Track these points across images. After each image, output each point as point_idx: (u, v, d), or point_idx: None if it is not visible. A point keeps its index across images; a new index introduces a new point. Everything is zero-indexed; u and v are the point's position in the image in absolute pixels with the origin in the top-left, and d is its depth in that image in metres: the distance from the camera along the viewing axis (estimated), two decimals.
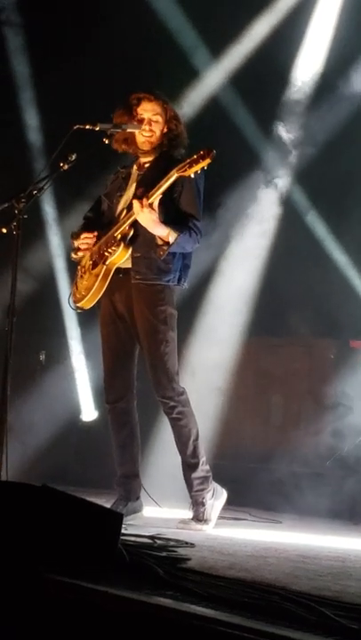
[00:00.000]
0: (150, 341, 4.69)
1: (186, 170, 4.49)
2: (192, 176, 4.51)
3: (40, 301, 7.06)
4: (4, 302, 4.61)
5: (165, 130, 4.80)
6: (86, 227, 4.93)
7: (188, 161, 4.50)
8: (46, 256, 7.38)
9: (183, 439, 4.73)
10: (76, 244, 4.88)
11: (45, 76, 7.36)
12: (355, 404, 6.05)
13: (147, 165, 4.84)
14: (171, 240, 4.58)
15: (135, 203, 4.58)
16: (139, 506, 4.82)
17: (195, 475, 4.73)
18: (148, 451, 5.65)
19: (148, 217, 4.56)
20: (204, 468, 4.75)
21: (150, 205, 4.54)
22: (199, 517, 4.67)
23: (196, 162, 4.46)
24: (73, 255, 4.93)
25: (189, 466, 4.74)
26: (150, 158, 4.83)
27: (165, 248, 4.59)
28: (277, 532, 4.76)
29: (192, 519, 4.68)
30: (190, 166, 4.48)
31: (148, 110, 4.78)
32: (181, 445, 4.74)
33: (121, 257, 4.67)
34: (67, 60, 7.16)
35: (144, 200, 4.55)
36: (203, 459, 4.75)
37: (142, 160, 4.86)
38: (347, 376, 6.30)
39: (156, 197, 4.57)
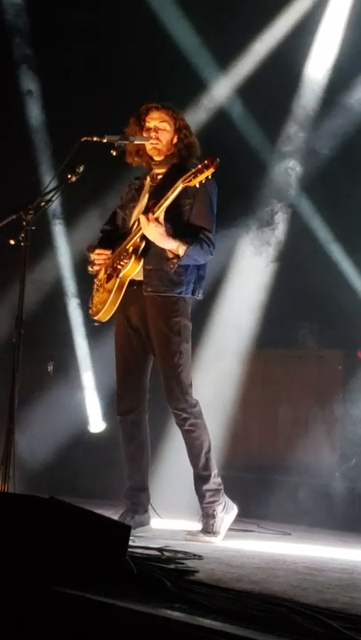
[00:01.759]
0: (164, 353, 4.69)
1: (191, 180, 4.52)
2: (197, 186, 4.54)
3: (48, 312, 7.06)
4: (12, 313, 4.62)
5: (175, 140, 4.81)
6: (103, 240, 4.94)
7: (193, 171, 4.54)
8: (54, 267, 7.39)
9: (195, 451, 4.72)
10: (91, 257, 4.90)
11: (55, 88, 7.39)
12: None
13: (159, 177, 4.85)
14: (181, 253, 4.60)
15: (141, 217, 4.61)
16: (146, 519, 4.80)
17: (206, 487, 4.71)
18: (157, 462, 5.64)
19: (154, 231, 4.57)
20: (215, 481, 4.74)
21: (157, 220, 4.56)
22: (209, 529, 4.65)
23: (201, 171, 4.50)
24: (89, 268, 4.94)
25: (201, 478, 4.73)
26: (163, 170, 4.84)
27: (175, 261, 4.60)
28: (285, 544, 4.74)
29: (201, 531, 4.67)
30: (195, 176, 4.51)
31: (155, 118, 4.80)
32: (193, 457, 4.73)
33: (133, 269, 4.68)
34: (76, 72, 7.18)
35: (150, 215, 4.57)
36: (215, 471, 4.73)
37: (155, 171, 4.87)
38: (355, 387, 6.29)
39: (161, 211, 4.59)
